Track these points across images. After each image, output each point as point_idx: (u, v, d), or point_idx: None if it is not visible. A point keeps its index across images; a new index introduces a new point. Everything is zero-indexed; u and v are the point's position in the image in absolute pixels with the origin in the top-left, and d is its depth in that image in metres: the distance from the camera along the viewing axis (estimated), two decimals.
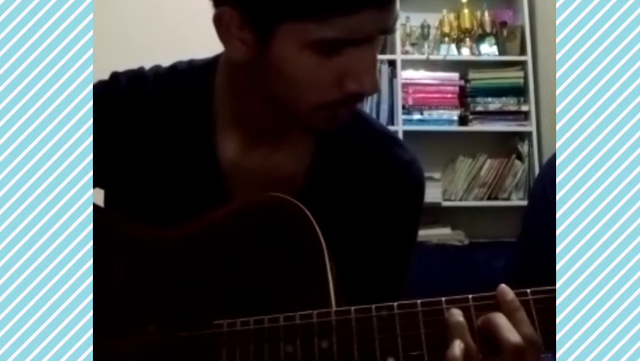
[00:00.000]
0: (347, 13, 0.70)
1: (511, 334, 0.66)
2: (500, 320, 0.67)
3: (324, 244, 0.75)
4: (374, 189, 0.89)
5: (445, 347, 0.67)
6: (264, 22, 0.73)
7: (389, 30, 0.75)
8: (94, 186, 0.92)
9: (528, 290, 0.69)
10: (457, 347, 0.66)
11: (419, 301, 0.69)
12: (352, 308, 0.70)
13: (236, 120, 0.87)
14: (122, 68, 0.93)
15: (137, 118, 0.88)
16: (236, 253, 0.77)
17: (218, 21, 0.77)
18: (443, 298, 0.69)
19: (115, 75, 0.91)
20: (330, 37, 0.71)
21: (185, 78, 0.90)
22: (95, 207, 0.84)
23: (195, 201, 0.84)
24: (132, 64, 0.95)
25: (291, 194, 0.80)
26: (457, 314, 0.68)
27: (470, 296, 0.69)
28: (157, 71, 0.92)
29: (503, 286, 0.70)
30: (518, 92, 3.26)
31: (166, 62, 0.95)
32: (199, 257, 0.78)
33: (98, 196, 0.91)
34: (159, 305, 0.76)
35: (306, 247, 0.75)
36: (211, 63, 0.90)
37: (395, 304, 0.70)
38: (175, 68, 0.92)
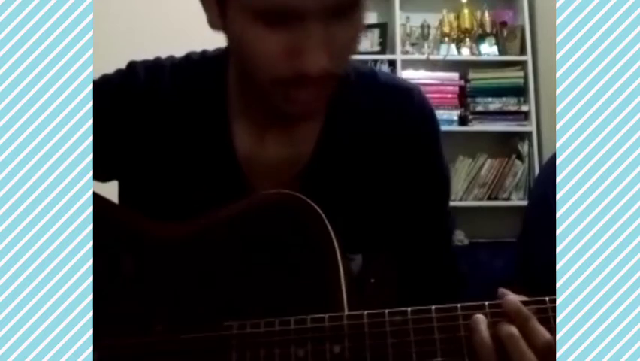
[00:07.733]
0: None
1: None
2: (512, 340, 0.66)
3: (335, 242, 0.74)
4: (383, 134, 0.88)
5: (460, 353, 0.66)
6: None
7: (337, 10, 0.72)
8: (108, 179, 0.92)
9: (547, 298, 0.67)
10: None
11: (433, 306, 0.68)
12: (365, 313, 0.69)
13: (248, 110, 0.87)
14: (121, 67, 0.93)
15: (154, 109, 0.88)
16: (246, 251, 0.77)
17: None
18: (459, 305, 0.68)
19: (132, 64, 0.91)
20: (263, 8, 0.70)
21: (200, 69, 0.90)
22: (108, 202, 0.84)
23: (214, 193, 0.84)
24: None
25: (299, 172, 0.83)
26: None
27: (487, 303, 0.68)
28: (172, 61, 0.91)
29: (508, 298, 0.68)
30: (518, 92, 3.26)
31: None
32: (209, 255, 0.78)
33: (113, 191, 0.91)
34: (170, 303, 0.75)
35: (318, 246, 0.74)
36: (223, 55, 0.90)
37: (409, 309, 0.68)
38: (189, 59, 0.92)
